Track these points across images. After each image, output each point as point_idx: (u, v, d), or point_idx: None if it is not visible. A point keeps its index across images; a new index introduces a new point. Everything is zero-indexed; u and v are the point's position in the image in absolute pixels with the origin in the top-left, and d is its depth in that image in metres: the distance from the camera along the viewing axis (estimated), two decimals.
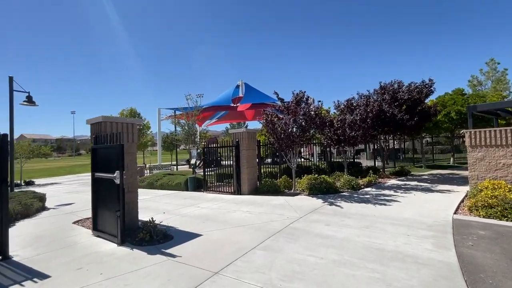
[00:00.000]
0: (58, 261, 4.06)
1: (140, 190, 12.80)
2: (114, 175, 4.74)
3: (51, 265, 3.94)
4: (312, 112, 8.65)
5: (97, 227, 5.39)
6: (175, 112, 15.57)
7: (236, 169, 9.50)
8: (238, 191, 9.48)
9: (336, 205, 7.05)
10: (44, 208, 8.76)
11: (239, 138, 9.59)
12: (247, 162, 9.47)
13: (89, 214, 6.05)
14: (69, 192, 13.25)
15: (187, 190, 11.22)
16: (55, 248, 4.64)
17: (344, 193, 8.72)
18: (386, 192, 8.72)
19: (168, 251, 4.30)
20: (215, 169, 12.57)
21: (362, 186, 9.76)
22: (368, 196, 8.17)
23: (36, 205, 8.12)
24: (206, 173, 10.90)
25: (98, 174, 5.29)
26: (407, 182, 10.59)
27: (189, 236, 5.04)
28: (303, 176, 10.25)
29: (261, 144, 10.79)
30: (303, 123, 8.41)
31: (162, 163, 26.38)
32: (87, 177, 22.44)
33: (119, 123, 5.61)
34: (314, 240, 4.50)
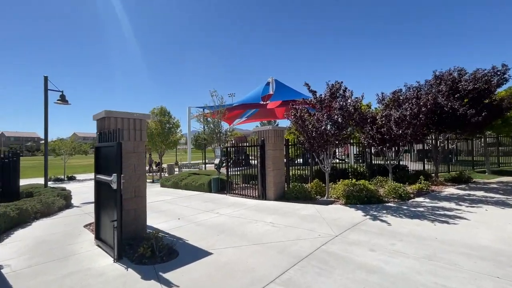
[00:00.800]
0: (41, 279, 3.46)
1: (164, 190, 12.57)
2: (111, 178, 4.05)
3: (31, 284, 3.35)
4: (350, 107, 7.30)
5: (99, 235, 4.80)
6: (203, 110, 15.07)
7: (260, 171, 8.52)
8: (263, 196, 8.48)
9: (381, 220, 5.67)
10: (68, 206, 8.69)
11: (264, 136, 8.59)
12: (273, 163, 8.43)
13: None
14: None
15: (210, 191, 10.55)
16: (50, 259, 4.11)
17: (389, 204, 7.23)
18: (445, 204, 7.02)
19: (167, 275, 3.46)
20: (240, 169, 11.75)
21: (412, 195, 8.10)
22: (421, 209, 6.59)
23: (58, 203, 8.01)
24: (230, 174, 10.09)
25: (98, 176, 4.69)
26: (471, 192, 8.62)
27: (197, 254, 4.18)
28: (338, 181, 8.90)
29: (289, 143, 9.66)
30: (339, 119, 7.10)
31: (191, 162, 26.49)
32: None
33: (124, 119, 4.96)
34: (355, 275, 3.32)
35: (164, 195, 10.40)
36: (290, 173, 9.92)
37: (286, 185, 9.16)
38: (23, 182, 15.80)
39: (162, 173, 20.33)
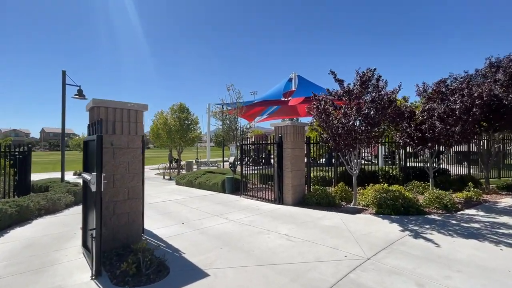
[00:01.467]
0: None
1: (178, 188, 12.08)
2: (89, 178, 3.38)
3: None
4: (385, 99, 6.11)
5: (85, 242, 4.20)
6: (223, 107, 14.43)
7: (277, 171, 7.59)
8: (280, 200, 7.56)
9: (426, 239, 4.51)
10: (77, 203, 8.41)
11: (282, 133, 7.65)
12: (292, 164, 7.46)
13: None
14: None
15: (223, 191, 9.83)
16: (25, 269, 3.55)
17: (433, 216, 5.95)
18: (508, 220, 5.62)
19: None
20: (258, 168, 10.90)
21: (460, 206, 6.72)
22: (476, 225, 5.28)
23: (65, 200, 7.71)
24: (246, 173, 9.26)
25: (83, 175, 4.08)
26: None
27: (191, 274, 3.39)
28: (367, 185, 7.72)
29: (311, 141, 8.63)
30: (371, 113, 5.96)
31: (211, 159, 26.14)
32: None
33: (117, 109, 4.31)
34: None
35: (176, 194, 9.86)
36: (311, 174, 8.87)
37: (306, 189, 8.16)
38: (50, 175, 16.33)
39: (181, 170, 20.11)
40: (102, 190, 3.37)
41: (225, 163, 21.36)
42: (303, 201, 7.47)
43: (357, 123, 6.30)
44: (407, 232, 4.84)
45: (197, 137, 20.05)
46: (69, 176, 18.90)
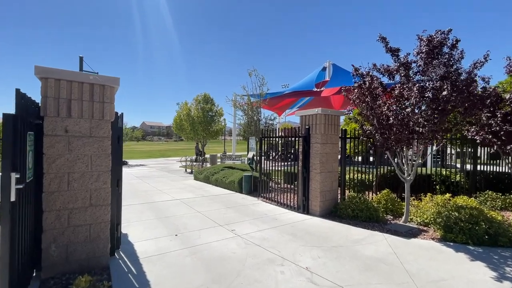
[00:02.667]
0: None
1: (194, 184, 11.02)
2: None
3: None
4: (465, 74, 4.17)
5: None
6: (249, 98, 13.06)
7: (302, 172, 6.01)
8: (304, 209, 6.00)
9: None
10: None
11: (310, 123, 6.03)
12: (322, 163, 5.83)
13: None
14: (138, 177, 12.97)
15: (240, 191, 8.52)
16: None
17: None
18: None
19: None
20: (283, 165, 9.40)
21: None
22: None
23: None
24: (267, 171, 7.81)
25: None
26: None
27: None
28: (419, 194, 5.79)
29: (347, 135, 6.86)
30: (443, 93, 4.05)
31: (236, 153, 25.16)
32: (170, 161, 23.43)
33: (73, 83, 3.11)
34: None
35: (188, 191, 8.79)
36: (347, 176, 7.10)
37: (339, 195, 6.48)
38: None
39: (205, 164, 19.37)
40: (12, 198, 2.18)
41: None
42: (334, 212, 5.82)
43: (416, 110, 4.46)
44: (509, 284, 3.01)
45: (221, 129, 19.06)
46: None
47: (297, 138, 6.35)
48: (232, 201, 7.28)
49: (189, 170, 16.16)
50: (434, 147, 5.35)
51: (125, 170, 17.08)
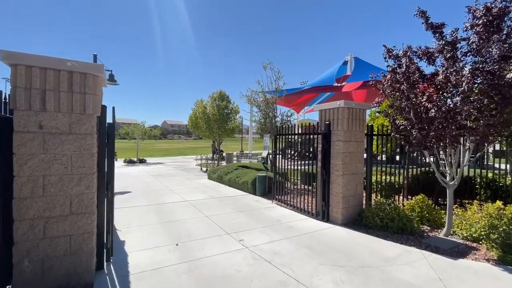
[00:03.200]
0: None
1: (206, 184, 10.54)
2: None
3: None
4: None
5: None
6: (264, 93, 12.48)
7: (322, 174, 5.28)
8: (324, 215, 5.27)
9: None
10: None
11: (331, 118, 5.28)
12: (345, 164, 5.07)
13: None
14: (153, 175, 12.89)
15: (254, 193, 7.94)
16: None
17: None
18: None
19: None
20: (297, 164, 8.68)
21: None
22: None
23: None
24: (282, 170, 7.13)
25: None
26: None
27: None
28: (462, 201, 4.86)
29: (374, 132, 6.02)
30: (507, 77, 3.16)
31: (253, 151, 24.63)
32: (188, 159, 23.41)
33: (48, 70, 2.66)
34: None
35: (199, 192, 8.35)
36: (372, 178, 6.25)
37: (364, 201, 5.68)
38: None
39: (221, 162, 19.05)
40: None
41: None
42: (359, 220, 5.05)
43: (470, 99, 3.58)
44: None
45: (237, 127, 18.58)
46: (115, 164, 19.58)
47: (315, 136, 5.62)
48: (244, 204, 6.71)
49: (204, 169, 15.87)
50: (488, 146, 4.40)
51: (142, 168, 17.14)
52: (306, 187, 7.38)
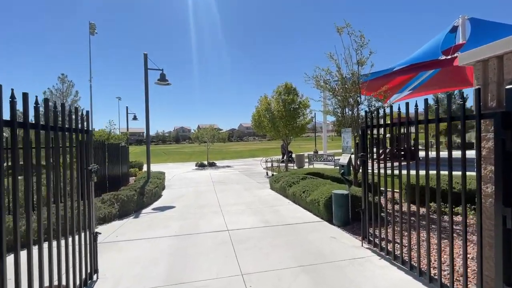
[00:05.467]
0: None
1: (268, 195, 8.41)
2: None
3: None
4: None
5: None
6: (339, 70, 9.21)
7: (479, 198, 2.14)
8: None
9: None
10: (141, 208, 6.61)
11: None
12: None
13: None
14: (214, 181, 11.77)
15: (329, 219, 5.17)
16: None
17: None
18: None
19: None
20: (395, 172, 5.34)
21: None
22: None
23: (111, 211, 5.72)
24: (371, 184, 4.08)
25: None
26: None
27: None
28: None
29: None
30: None
31: (328, 152, 21.09)
32: (256, 162, 21.92)
33: None
34: None
35: (250, 213, 6.10)
36: None
37: None
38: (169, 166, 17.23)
39: (291, 166, 16.57)
40: None
41: (343, 157, 15.76)
42: None
43: None
44: None
45: (307, 123, 15.67)
46: (187, 168, 19.73)
47: (461, 121, 2.47)
48: (311, 244, 4.03)
49: (270, 174, 13.72)
50: None
51: (209, 172, 16.34)
52: (428, 214, 4.10)
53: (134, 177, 12.06)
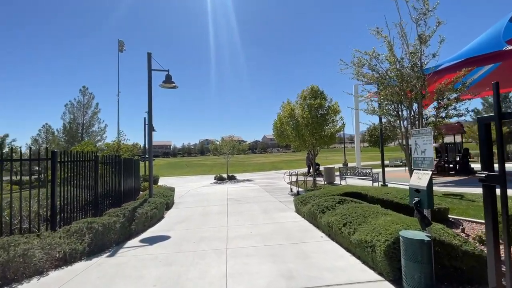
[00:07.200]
0: None
1: (291, 224, 6.31)
2: None
3: None
4: None
5: None
6: (391, 48, 7.05)
7: None
8: None
9: None
10: (128, 237, 4.91)
11: None
12: None
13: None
14: (230, 199, 10.28)
15: (395, 280, 3.08)
16: None
17: None
18: None
19: None
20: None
21: None
22: None
23: (76, 247, 4.13)
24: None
25: None
26: None
27: None
28: None
29: None
30: None
31: (361, 164, 18.49)
32: (280, 175, 19.97)
33: None
34: None
35: (267, 259, 4.21)
36: None
37: None
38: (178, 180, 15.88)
39: (318, 179, 14.38)
40: None
41: (387, 171, 13.09)
42: None
43: None
44: None
45: (337, 131, 13.48)
46: (205, 181, 18.30)
47: None
48: None
49: (295, 190, 11.68)
50: None
51: (227, 186, 14.67)
52: None
53: (144, 192, 10.78)
